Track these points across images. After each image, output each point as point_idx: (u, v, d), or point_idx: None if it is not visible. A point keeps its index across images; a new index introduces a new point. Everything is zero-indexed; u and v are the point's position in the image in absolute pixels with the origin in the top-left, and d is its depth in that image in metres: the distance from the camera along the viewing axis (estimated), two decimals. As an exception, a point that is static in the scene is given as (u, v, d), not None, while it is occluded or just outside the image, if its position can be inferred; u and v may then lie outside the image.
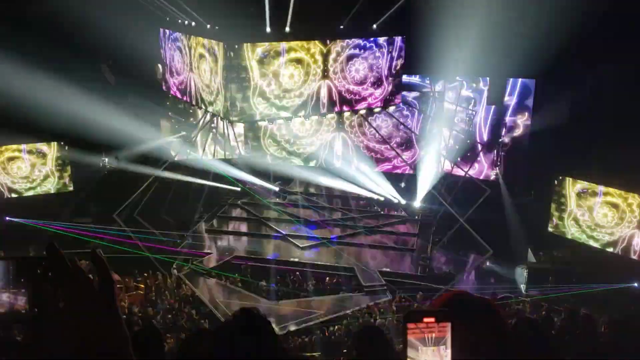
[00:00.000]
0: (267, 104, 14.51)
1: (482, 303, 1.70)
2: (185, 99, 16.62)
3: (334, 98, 15.51)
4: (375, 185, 19.18)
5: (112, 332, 0.90)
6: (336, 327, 13.02)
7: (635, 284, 13.88)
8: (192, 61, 15.34)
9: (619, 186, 14.37)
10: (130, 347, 0.92)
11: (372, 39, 15.03)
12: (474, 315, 1.55)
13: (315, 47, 14.85)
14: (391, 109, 17.42)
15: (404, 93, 17.52)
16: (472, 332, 1.43)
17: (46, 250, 0.90)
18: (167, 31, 16.48)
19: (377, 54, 15.12)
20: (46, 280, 0.89)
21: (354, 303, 14.48)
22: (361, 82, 15.64)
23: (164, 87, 18.81)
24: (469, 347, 1.32)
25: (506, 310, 13.69)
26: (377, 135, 19.60)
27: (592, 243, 15.05)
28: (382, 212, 19.50)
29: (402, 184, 19.55)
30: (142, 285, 15.06)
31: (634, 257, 14.33)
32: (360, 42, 15.06)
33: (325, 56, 15.05)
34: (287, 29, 14.01)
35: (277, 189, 20.28)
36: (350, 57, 15.15)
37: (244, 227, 19.31)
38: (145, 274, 15.25)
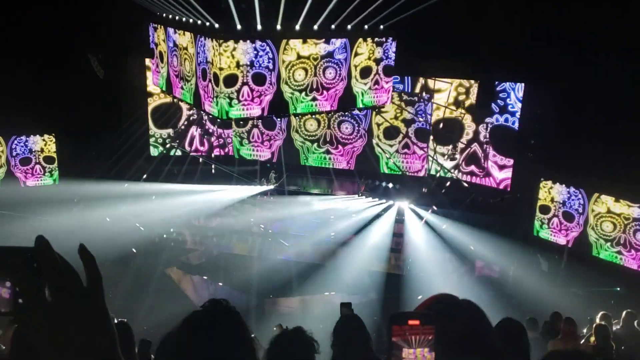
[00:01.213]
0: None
1: (466, 305, 1.71)
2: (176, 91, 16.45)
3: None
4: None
5: (100, 327, 0.90)
6: (320, 326, 13.00)
7: (618, 288, 14.11)
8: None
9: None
10: (117, 343, 0.92)
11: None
12: (458, 318, 1.57)
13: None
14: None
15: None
16: (457, 334, 1.45)
17: (35, 242, 0.89)
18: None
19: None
20: (31, 271, 0.87)
21: (338, 303, 14.45)
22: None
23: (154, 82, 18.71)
24: (453, 350, 1.33)
25: (490, 311, 13.80)
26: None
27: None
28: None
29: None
30: (127, 280, 14.95)
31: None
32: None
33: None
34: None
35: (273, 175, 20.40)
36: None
37: (231, 223, 19.18)
38: (130, 269, 15.15)
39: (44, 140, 17.54)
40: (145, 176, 18.25)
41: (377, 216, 18.63)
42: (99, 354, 0.87)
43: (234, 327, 1.63)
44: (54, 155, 17.71)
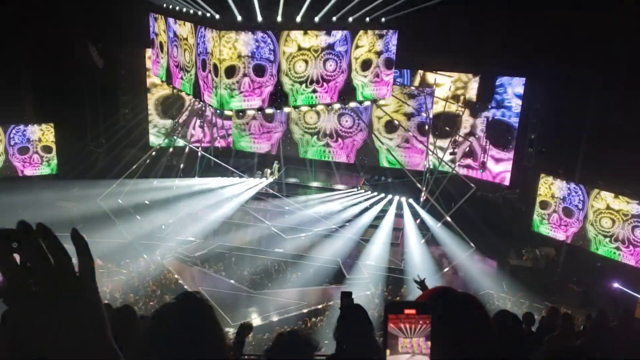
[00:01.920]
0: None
1: (465, 298, 1.70)
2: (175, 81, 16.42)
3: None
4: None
5: (89, 312, 0.88)
6: (318, 318, 13.06)
7: (616, 284, 14.13)
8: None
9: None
10: (109, 331, 0.90)
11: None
12: (456, 309, 1.56)
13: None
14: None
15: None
16: (454, 325, 1.44)
17: (17, 227, 0.86)
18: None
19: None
20: (13, 255, 0.84)
21: (337, 295, 14.46)
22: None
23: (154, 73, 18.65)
24: (449, 340, 1.32)
25: (487, 305, 13.82)
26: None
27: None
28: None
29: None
30: (124, 271, 14.97)
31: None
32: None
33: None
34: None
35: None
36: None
37: (230, 215, 19.08)
38: (128, 260, 15.16)
39: (41, 129, 17.45)
40: (143, 161, 18.18)
41: (377, 210, 18.65)
42: (88, 338, 0.85)
43: (203, 321, 1.62)
44: (52, 145, 17.61)
